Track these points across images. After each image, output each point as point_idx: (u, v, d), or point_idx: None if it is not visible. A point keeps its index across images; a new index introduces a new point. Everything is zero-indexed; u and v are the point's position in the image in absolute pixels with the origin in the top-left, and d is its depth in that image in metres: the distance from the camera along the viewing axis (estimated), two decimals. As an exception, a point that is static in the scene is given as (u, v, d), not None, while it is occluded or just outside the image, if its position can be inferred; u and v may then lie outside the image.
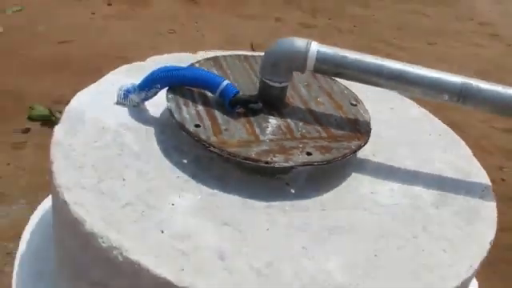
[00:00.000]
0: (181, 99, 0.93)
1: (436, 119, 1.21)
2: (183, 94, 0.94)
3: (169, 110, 0.90)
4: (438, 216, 0.88)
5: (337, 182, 0.92)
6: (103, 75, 2.53)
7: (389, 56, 3.67)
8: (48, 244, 1.08)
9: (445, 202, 0.92)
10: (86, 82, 2.43)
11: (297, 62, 0.89)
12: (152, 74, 0.95)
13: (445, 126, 1.18)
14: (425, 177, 0.98)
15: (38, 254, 1.08)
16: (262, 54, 1.20)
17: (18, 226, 1.58)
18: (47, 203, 1.24)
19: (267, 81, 0.93)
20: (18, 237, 1.55)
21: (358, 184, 0.93)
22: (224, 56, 1.10)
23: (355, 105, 1.03)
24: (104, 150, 0.89)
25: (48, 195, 1.59)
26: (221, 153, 0.83)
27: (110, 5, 3.51)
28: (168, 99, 0.92)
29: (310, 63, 0.89)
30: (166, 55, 1.27)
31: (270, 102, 0.94)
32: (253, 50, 3.17)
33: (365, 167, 0.97)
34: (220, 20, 3.66)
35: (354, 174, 0.95)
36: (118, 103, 1.01)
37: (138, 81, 1.07)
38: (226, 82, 0.91)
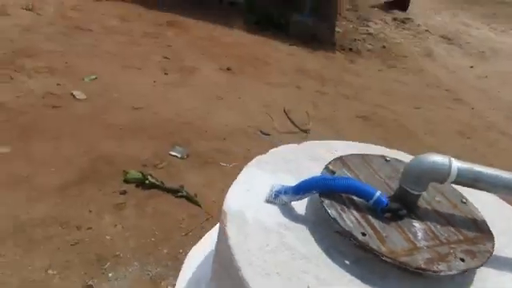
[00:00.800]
0: (337, 205, 0.85)
1: (506, 203, 1.15)
2: (336, 199, 0.87)
3: (332, 219, 0.81)
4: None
5: (470, 276, 0.84)
6: (175, 140, 2.44)
7: (385, 118, 3.67)
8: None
9: (558, 292, 0.86)
10: (164, 147, 2.34)
11: (439, 176, 0.83)
12: (310, 181, 0.87)
13: (519, 212, 1.12)
14: (529, 265, 0.92)
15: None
16: (375, 152, 1.14)
17: (136, 288, 1.46)
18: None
19: (407, 188, 0.86)
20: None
21: (486, 276, 0.85)
22: (346, 156, 1.04)
23: (465, 203, 0.97)
24: (277, 254, 0.80)
25: (160, 263, 1.45)
26: (394, 262, 0.75)
27: (166, 74, 3.45)
28: (326, 205, 0.84)
29: (452, 177, 0.82)
30: (281, 147, 1.19)
31: (407, 205, 0.87)
32: (286, 114, 3.13)
33: (481, 258, 0.90)
34: (253, 87, 3.62)
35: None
36: (267, 201, 0.93)
37: (268, 173, 1.00)
38: (378, 193, 0.83)
